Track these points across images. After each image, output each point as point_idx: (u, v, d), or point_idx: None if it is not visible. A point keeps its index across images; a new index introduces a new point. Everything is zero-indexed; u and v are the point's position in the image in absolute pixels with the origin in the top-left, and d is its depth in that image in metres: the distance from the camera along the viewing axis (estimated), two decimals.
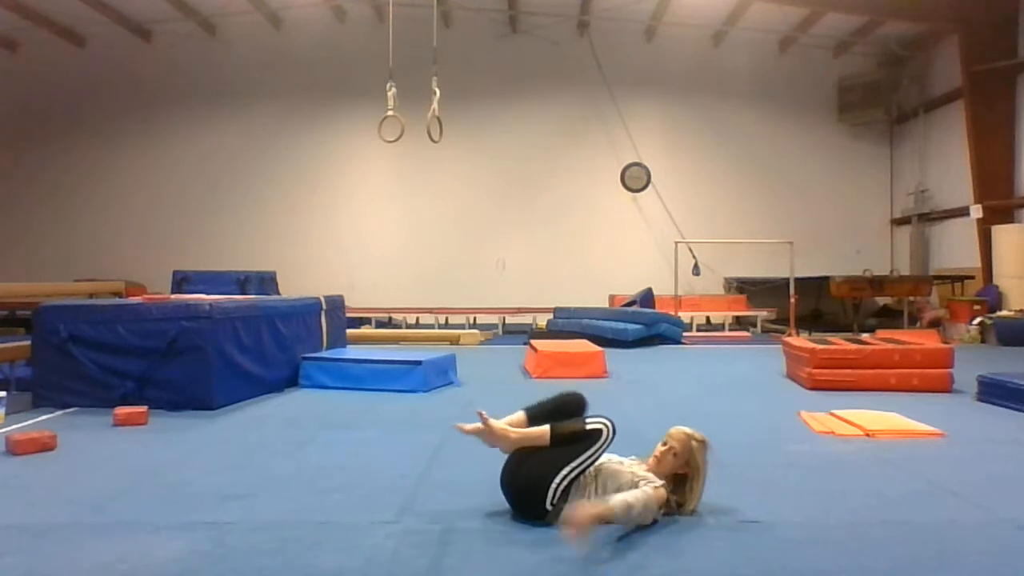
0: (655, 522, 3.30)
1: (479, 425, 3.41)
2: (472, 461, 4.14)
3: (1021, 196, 13.93)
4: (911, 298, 14.69)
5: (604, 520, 3.01)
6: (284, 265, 15.17)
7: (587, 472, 3.32)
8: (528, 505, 3.32)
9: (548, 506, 3.27)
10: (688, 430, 3.46)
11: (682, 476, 3.42)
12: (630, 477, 3.32)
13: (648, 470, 3.40)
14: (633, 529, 3.21)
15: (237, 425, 5.73)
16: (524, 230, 16.94)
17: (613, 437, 3.33)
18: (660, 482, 3.34)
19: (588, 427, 3.31)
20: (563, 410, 3.50)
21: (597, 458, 3.32)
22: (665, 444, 3.44)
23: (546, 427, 3.35)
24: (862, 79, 16.87)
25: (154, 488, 3.96)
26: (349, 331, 9.89)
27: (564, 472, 3.27)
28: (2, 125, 17.24)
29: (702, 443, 3.43)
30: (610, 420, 3.35)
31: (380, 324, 15.23)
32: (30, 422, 5.67)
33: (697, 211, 16.83)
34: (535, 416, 3.48)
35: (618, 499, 3.11)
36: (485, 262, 16.84)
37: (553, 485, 3.26)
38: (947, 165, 15.49)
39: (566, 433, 3.33)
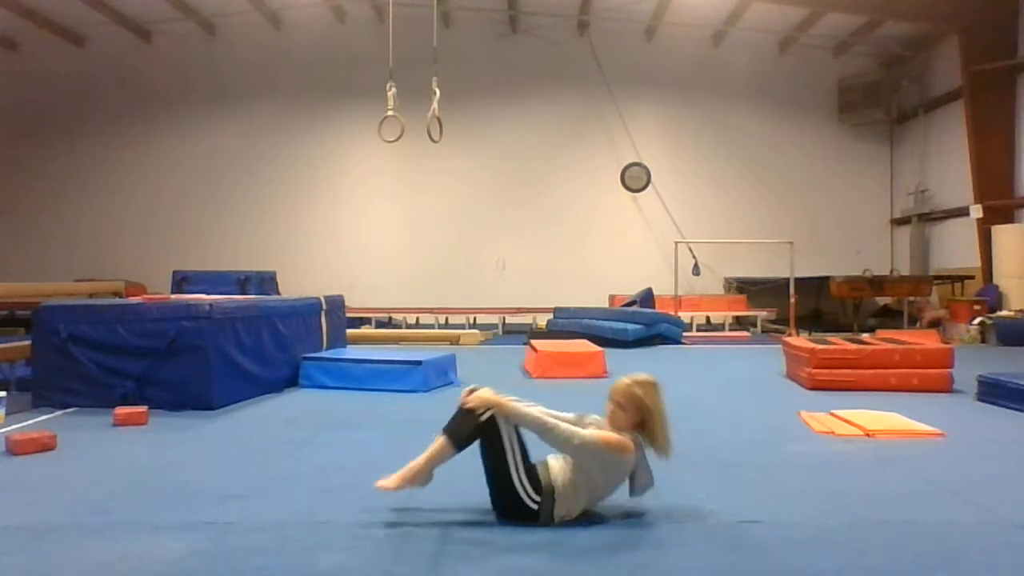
0: (641, 488, 3.38)
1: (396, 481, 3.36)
2: (472, 461, 4.13)
3: (1021, 196, 13.93)
4: (911, 298, 14.68)
5: (504, 412, 3.23)
6: (284, 265, 15.18)
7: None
8: (518, 515, 3.30)
9: (532, 504, 3.27)
10: (628, 379, 3.40)
11: (643, 423, 3.37)
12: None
13: (610, 430, 3.38)
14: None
15: (237, 425, 5.73)
16: (524, 230, 16.94)
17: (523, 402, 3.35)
18: (616, 434, 3.30)
19: (483, 418, 3.27)
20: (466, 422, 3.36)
21: (519, 435, 3.28)
22: (611, 400, 3.40)
23: (441, 437, 3.33)
24: (862, 79, 16.86)
25: (154, 488, 3.97)
26: (349, 331, 9.89)
27: (513, 468, 3.25)
28: (2, 125, 17.24)
29: (646, 384, 3.37)
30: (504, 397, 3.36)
31: (380, 324, 15.23)
32: (30, 422, 5.67)
33: (697, 211, 16.83)
34: (451, 433, 3.37)
35: (531, 411, 3.25)
36: (485, 262, 16.84)
37: (518, 487, 3.25)
38: (947, 165, 15.49)
39: (465, 434, 3.31)
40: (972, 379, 6.86)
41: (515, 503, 3.28)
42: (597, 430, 3.35)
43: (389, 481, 3.36)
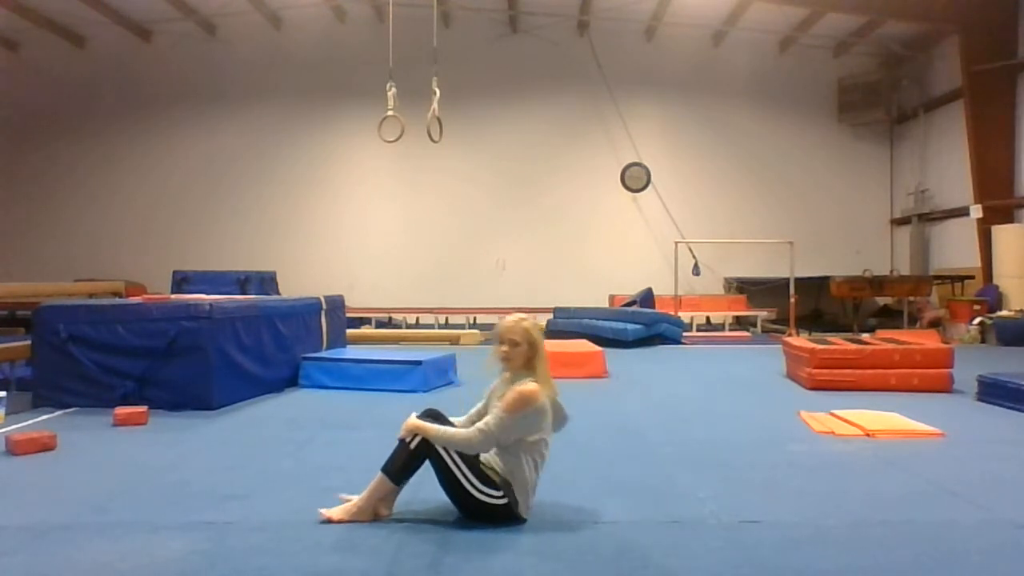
0: (559, 423, 3.46)
1: (340, 514, 3.36)
2: None
3: (1021, 196, 13.93)
4: (911, 298, 14.68)
5: (427, 436, 3.26)
6: (284, 265, 15.18)
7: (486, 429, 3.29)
8: (495, 518, 3.30)
9: (497, 502, 3.27)
10: (513, 319, 3.43)
11: (530, 360, 3.40)
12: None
13: (511, 375, 3.41)
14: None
15: (237, 425, 5.73)
16: (524, 230, 16.94)
17: (428, 420, 3.38)
18: (513, 392, 3.30)
19: (412, 447, 3.31)
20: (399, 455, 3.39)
21: (447, 442, 3.28)
22: (503, 343, 3.40)
23: (379, 475, 3.35)
24: (862, 79, 16.87)
25: (154, 488, 3.97)
26: (349, 331, 9.88)
27: (462, 477, 3.26)
28: (2, 125, 17.24)
29: (528, 319, 3.44)
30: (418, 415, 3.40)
31: (380, 324, 15.23)
32: (30, 422, 5.67)
33: (697, 211, 16.83)
34: (385, 468, 3.39)
35: (444, 432, 3.27)
36: (485, 262, 16.84)
37: (475, 493, 3.26)
38: (947, 165, 15.49)
39: (399, 465, 3.34)
40: (972, 379, 6.87)
41: (482, 508, 3.28)
42: (498, 401, 3.34)
43: (334, 512, 3.37)
